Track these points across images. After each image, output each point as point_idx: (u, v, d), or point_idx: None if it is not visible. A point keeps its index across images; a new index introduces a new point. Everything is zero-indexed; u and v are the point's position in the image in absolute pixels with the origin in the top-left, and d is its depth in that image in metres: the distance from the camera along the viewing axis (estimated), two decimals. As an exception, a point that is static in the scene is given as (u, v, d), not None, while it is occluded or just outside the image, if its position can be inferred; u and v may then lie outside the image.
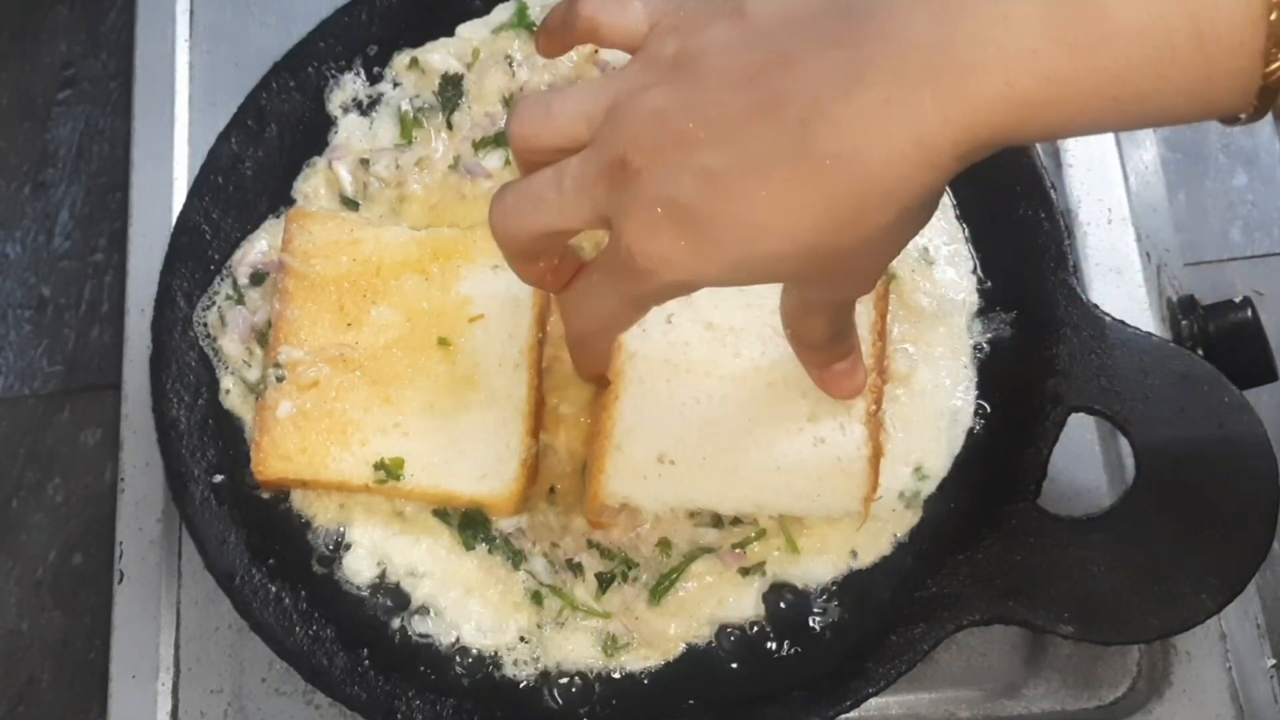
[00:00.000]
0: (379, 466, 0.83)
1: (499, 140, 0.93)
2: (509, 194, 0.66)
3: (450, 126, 0.95)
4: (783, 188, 0.57)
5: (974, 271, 0.90)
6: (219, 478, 0.87)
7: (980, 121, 0.54)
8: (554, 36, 0.72)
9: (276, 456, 0.84)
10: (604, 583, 0.84)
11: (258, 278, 0.91)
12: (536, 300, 0.87)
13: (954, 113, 0.53)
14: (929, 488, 0.86)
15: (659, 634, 0.83)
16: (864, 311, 0.84)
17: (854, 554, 0.85)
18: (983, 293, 0.90)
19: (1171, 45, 0.50)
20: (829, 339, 0.74)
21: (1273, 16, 0.49)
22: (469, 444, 0.84)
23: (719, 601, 0.84)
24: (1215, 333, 0.91)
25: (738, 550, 0.84)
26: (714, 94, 0.58)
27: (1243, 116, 0.53)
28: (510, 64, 0.95)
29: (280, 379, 0.85)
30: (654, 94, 0.60)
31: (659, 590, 0.84)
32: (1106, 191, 1.00)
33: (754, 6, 0.60)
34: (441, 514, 0.86)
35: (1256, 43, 0.49)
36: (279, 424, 0.84)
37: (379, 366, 0.85)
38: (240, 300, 0.91)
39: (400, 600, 0.85)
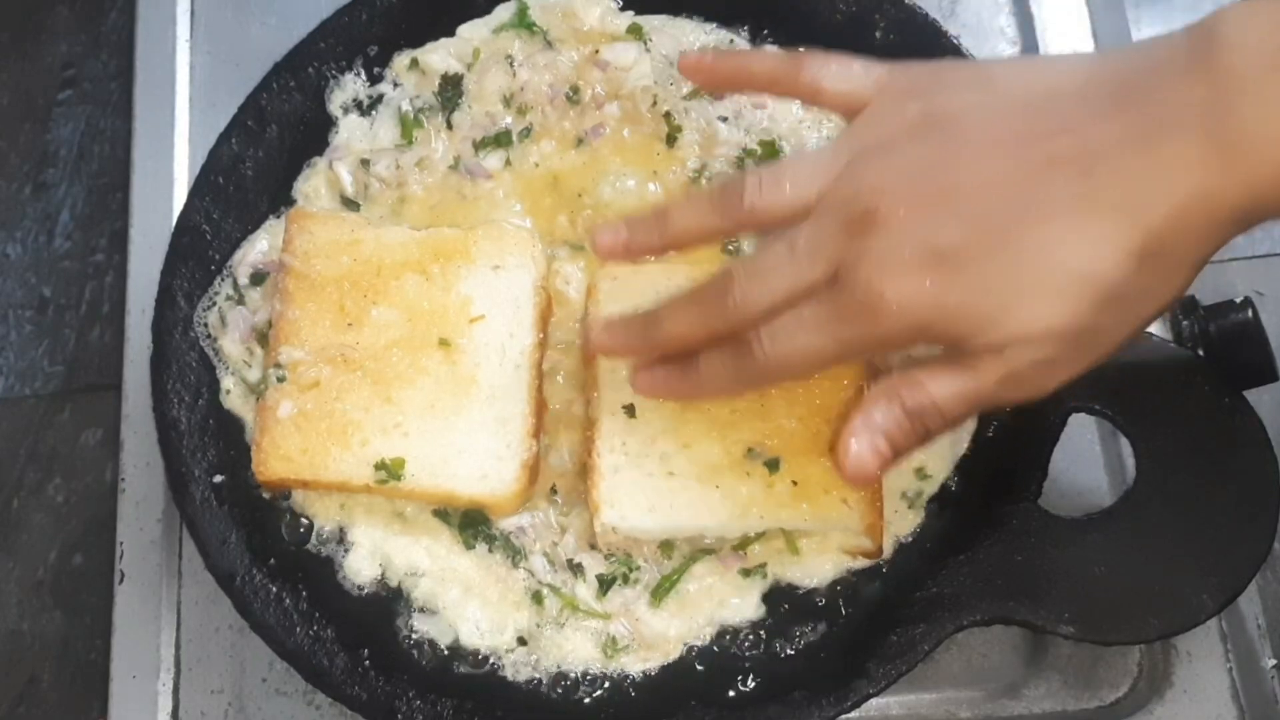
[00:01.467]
0: (380, 467, 0.83)
1: (499, 140, 0.93)
2: (740, 276, 0.69)
3: (450, 127, 0.95)
4: (1060, 234, 0.60)
5: (974, 272, 0.90)
6: (220, 478, 0.87)
7: (1265, 189, 0.57)
8: (756, 83, 0.76)
9: (277, 457, 0.84)
10: (604, 584, 0.84)
11: (258, 278, 0.91)
12: (537, 301, 0.87)
13: (1239, 177, 0.57)
14: (931, 488, 0.86)
15: (659, 635, 0.83)
16: None
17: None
18: (983, 293, 0.90)
19: None
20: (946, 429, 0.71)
21: None
22: (469, 444, 0.84)
23: (720, 602, 0.84)
24: (1216, 333, 0.91)
25: (739, 551, 0.84)
26: (978, 152, 0.62)
27: None
28: (510, 64, 0.95)
29: (281, 379, 0.85)
30: (904, 152, 0.64)
31: (660, 591, 0.84)
32: (1107, 191, 1.00)
33: (1003, 79, 0.65)
34: (442, 514, 0.86)
35: None
36: (280, 424, 0.84)
37: (380, 367, 0.85)
38: (241, 300, 0.91)
39: (400, 600, 0.86)
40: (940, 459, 0.86)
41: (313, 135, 0.95)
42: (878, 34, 0.94)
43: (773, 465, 0.81)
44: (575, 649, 0.84)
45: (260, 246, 0.92)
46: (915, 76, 0.68)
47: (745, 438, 0.82)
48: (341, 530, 0.87)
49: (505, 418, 0.84)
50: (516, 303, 0.87)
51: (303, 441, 0.84)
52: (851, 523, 0.81)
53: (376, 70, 0.97)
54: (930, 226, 0.62)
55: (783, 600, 0.85)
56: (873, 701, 0.80)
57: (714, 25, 0.96)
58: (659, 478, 0.82)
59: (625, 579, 0.84)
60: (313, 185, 0.94)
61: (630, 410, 0.83)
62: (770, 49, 0.94)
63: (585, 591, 0.85)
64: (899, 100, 0.67)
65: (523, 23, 0.96)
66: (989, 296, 0.62)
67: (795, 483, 0.81)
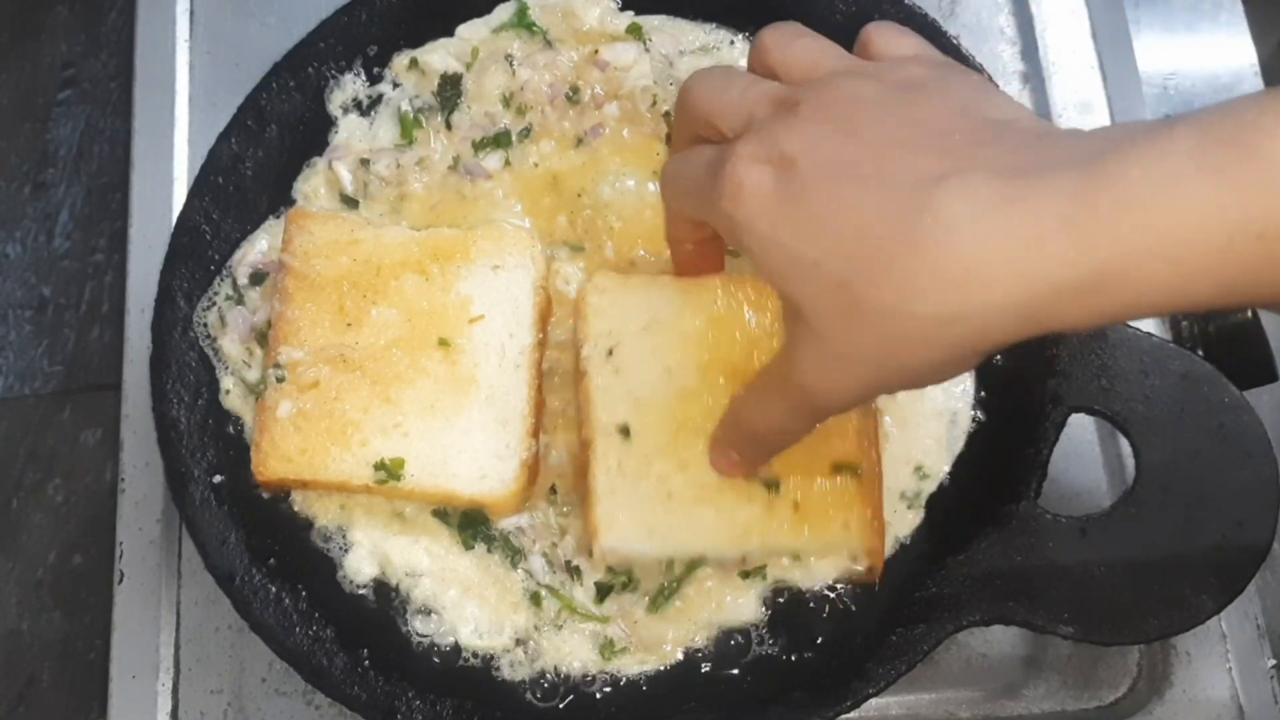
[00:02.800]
0: (379, 467, 0.83)
1: (499, 140, 0.93)
2: (709, 74, 0.71)
3: (450, 127, 0.95)
4: (868, 227, 0.57)
5: (974, 271, 0.90)
6: (219, 478, 0.87)
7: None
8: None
9: (276, 457, 0.84)
10: (603, 591, 0.84)
11: (258, 278, 0.91)
12: (536, 301, 0.87)
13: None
14: (930, 487, 0.86)
15: (657, 637, 0.83)
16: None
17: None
18: (983, 293, 0.90)
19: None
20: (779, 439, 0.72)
21: None
22: (469, 444, 0.84)
23: (719, 605, 0.84)
24: (1215, 333, 0.91)
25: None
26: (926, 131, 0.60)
27: None
28: (510, 64, 0.95)
29: (280, 379, 0.85)
30: (862, 86, 0.62)
31: (659, 599, 0.84)
32: (1107, 191, 1.00)
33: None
34: (441, 514, 0.86)
35: None
36: (279, 424, 0.84)
37: (379, 367, 0.85)
38: (240, 300, 0.91)
39: (400, 600, 0.86)
40: (938, 458, 0.86)
41: (312, 135, 0.95)
42: (877, 34, 0.93)
43: (773, 487, 0.80)
44: (573, 650, 0.84)
45: (260, 246, 0.92)
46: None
47: None
48: (341, 530, 0.87)
49: (505, 418, 0.84)
50: (516, 303, 0.87)
51: (302, 441, 0.84)
52: (852, 546, 0.81)
53: (376, 70, 0.97)
54: (808, 140, 0.60)
55: (782, 601, 0.85)
56: (873, 701, 0.80)
57: (714, 25, 0.96)
58: (657, 500, 0.80)
59: (624, 586, 0.84)
60: (312, 185, 0.94)
61: (625, 431, 0.82)
62: None
63: (583, 594, 0.84)
64: (903, 62, 0.66)
65: (522, 23, 0.96)
66: (780, 228, 0.60)
67: (796, 505, 0.80)
